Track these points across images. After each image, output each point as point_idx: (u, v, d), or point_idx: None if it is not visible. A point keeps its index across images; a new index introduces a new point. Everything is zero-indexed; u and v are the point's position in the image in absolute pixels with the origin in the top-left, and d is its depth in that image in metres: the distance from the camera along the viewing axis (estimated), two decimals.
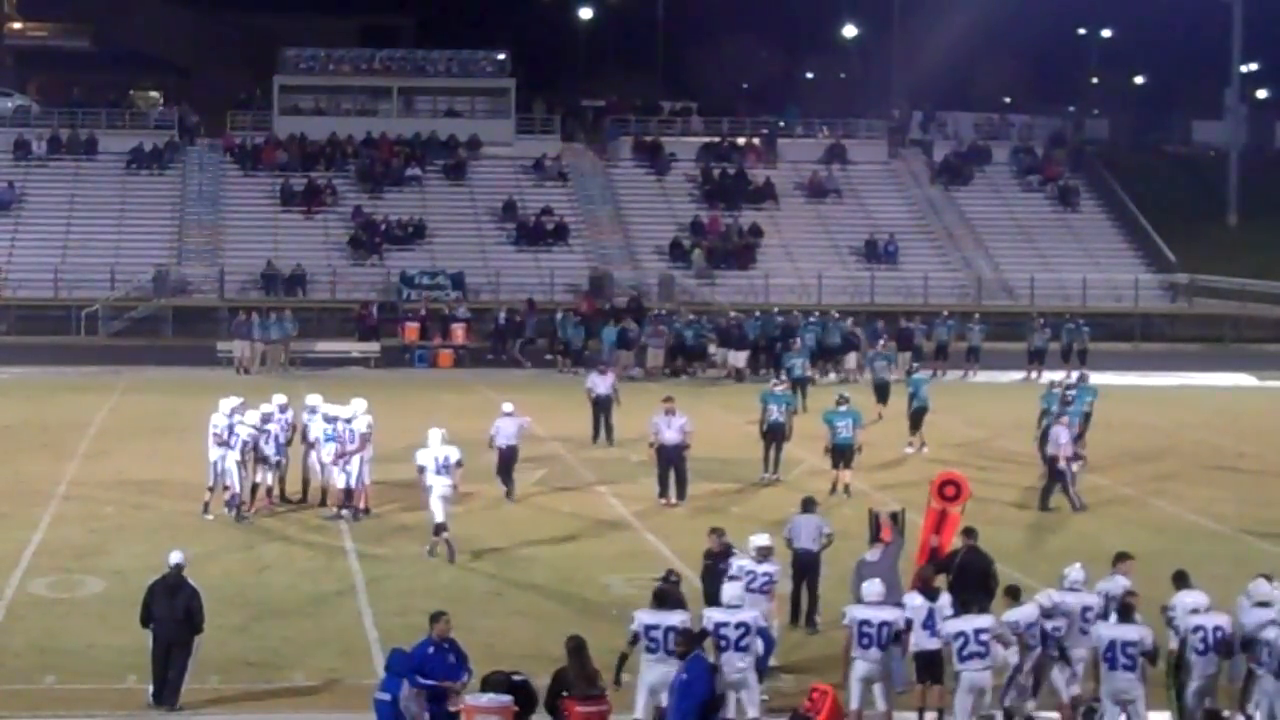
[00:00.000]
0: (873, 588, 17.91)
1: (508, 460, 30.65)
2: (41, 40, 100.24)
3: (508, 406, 31.19)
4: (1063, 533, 28.46)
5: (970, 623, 17.43)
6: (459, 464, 25.96)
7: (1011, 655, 17.56)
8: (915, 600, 18.33)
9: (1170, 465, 35.59)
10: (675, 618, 17.23)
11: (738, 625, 17.18)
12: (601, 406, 37.23)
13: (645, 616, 17.30)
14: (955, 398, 43.84)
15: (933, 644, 18.13)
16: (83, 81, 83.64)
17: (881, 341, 44.03)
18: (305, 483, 29.51)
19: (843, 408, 31.36)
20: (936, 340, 51.62)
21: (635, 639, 17.23)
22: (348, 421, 28.29)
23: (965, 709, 17.37)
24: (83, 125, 69.40)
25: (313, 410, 29.37)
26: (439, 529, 25.65)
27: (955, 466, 26.72)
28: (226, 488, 28.15)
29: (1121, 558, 19.47)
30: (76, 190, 66.29)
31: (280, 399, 29.66)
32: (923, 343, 51.26)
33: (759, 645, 17.39)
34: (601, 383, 37.53)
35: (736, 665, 17.16)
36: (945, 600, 18.43)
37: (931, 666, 18.22)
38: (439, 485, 25.66)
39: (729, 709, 17.26)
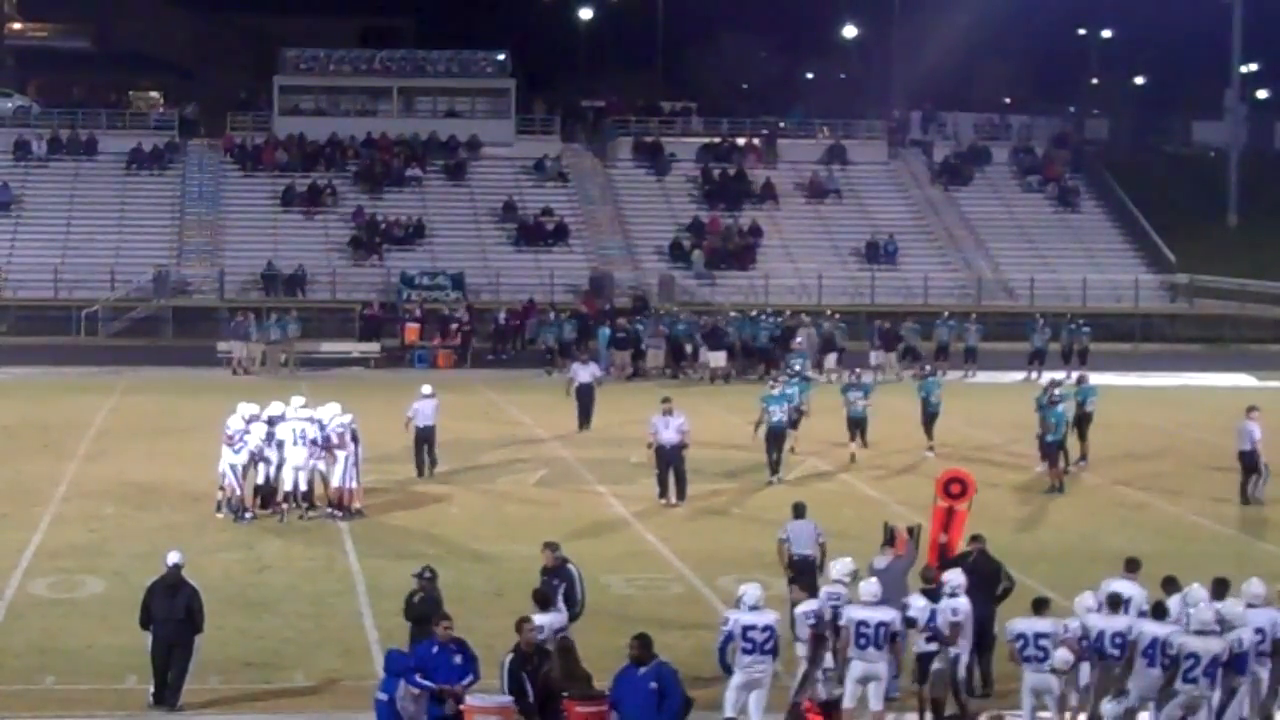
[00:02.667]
0: (869, 587, 17.83)
1: (426, 439, 31.97)
2: (41, 40, 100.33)
3: (426, 389, 32.40)
4: (1063, 533, 28.45)
5: (1031, 625, 17.38)
6: (315, 441, 27.91)
7: (1069, 656, 17.44)
8: (918, 602, 18.30)
9: (1170, 465, 35.57)
10: (559, 619, 17.57)
11: (764, 629, 17.17)
12: (584, 394, 38.66)
13: (542, 619, 17.39)
14: (955, 398, 43.78)
15: (933, 646, 18.13)
16: (83, 81, 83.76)
17: (856, 373, 38.31)
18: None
19: (775, 391, 32.91)
20: (936, 341, 51.60)
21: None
22: (322, 423, 28.51)
23: (1028, 709, 17.35)
24: (83, 125, 69.39)
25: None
26: (288, 496, 27.78)
27: (949, 465, 26.68)
28: (223, 489, 28.28)
29: (1131, 565, 19.17)
30: (76, 190, 66.28)
31: (278, 405, 29.58)
32: (918, 344, 51.21)
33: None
34: (584, 371, 39.29)
35: (759, 668, 17.19)
36: (947, 604, 18.33)
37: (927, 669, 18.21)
38: (295, 456, 27.74)
39: (732, 708, 17.26)
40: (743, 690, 17.19)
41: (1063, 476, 32.21)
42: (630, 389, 46.88)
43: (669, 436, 30.03)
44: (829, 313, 53.77)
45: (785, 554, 21.69)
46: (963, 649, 18.28)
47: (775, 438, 32.32)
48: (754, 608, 17.32)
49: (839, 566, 18.70)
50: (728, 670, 17.29)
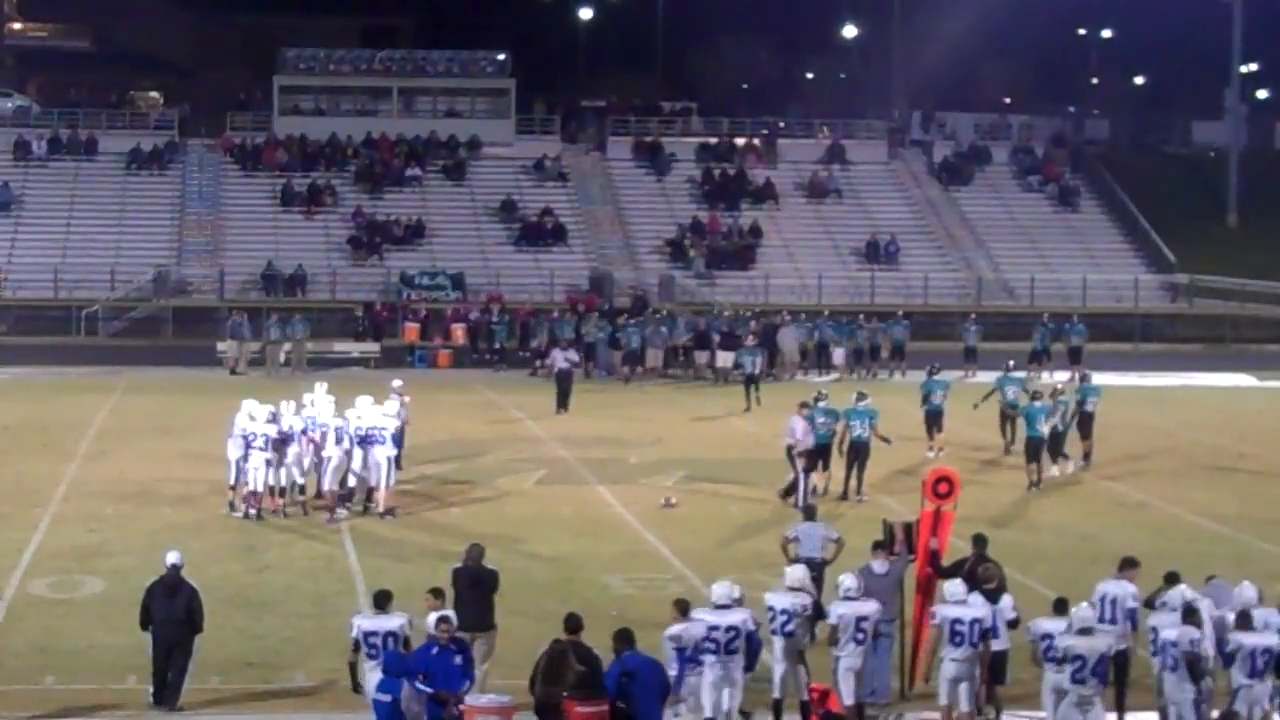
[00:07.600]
0: (793, 572, 18.35)
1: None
2: (41, 40, 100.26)
3: (397, 383, 33.20)
4: (1063, 534, 28.42)
5: (1058, 625, 17.17)
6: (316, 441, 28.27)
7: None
8: (977, 601, 18.15)
9: (1170, 465, 35.56)
10: (395, 622, 17.34)
11: (728, 629, 17.15)
12: (563, 379, 41.99)
13: (365, 623, 17.33)
14: (955, 398, 43.72)
15: (994, 645, 17.99)
16: (83, 81, 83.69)
17: (936, 366, 36.24)
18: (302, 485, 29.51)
19: (860, 405, 30.96)
20: (892, 342, 51.55)
21: (357, 646, 17.29)
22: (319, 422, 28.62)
23: (1051, 707, 17.18)
24: (83, 125, 69.39)
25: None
26: (284, 490, 28.20)
27: (955, 466, 26.65)
28: (233, 487, 28.33)
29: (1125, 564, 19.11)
30: (76, 190, 66.26)
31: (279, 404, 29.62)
32: (805, 344, 50.98)
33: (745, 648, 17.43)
34: (561, 357, 42.80)
35: (728, 666, 17.16)
36: (1007, 602, 18.24)
37: (991, 668, 18.05)
38: (337, 453, 28.00)
39: (710, 708, 17.21)
40: (716, 689, 17.16)
41: (1040, 474, 32.10)
42: (630, 389, 46.91)
43: (809, 441, 29.85)
44: (899, 313, 53.91)
45: (790, 554, 21.63)
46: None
47: (856, 453, 30.76)
48: (719, 606, 17.29)
49: (792, 573, 18.67)
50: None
